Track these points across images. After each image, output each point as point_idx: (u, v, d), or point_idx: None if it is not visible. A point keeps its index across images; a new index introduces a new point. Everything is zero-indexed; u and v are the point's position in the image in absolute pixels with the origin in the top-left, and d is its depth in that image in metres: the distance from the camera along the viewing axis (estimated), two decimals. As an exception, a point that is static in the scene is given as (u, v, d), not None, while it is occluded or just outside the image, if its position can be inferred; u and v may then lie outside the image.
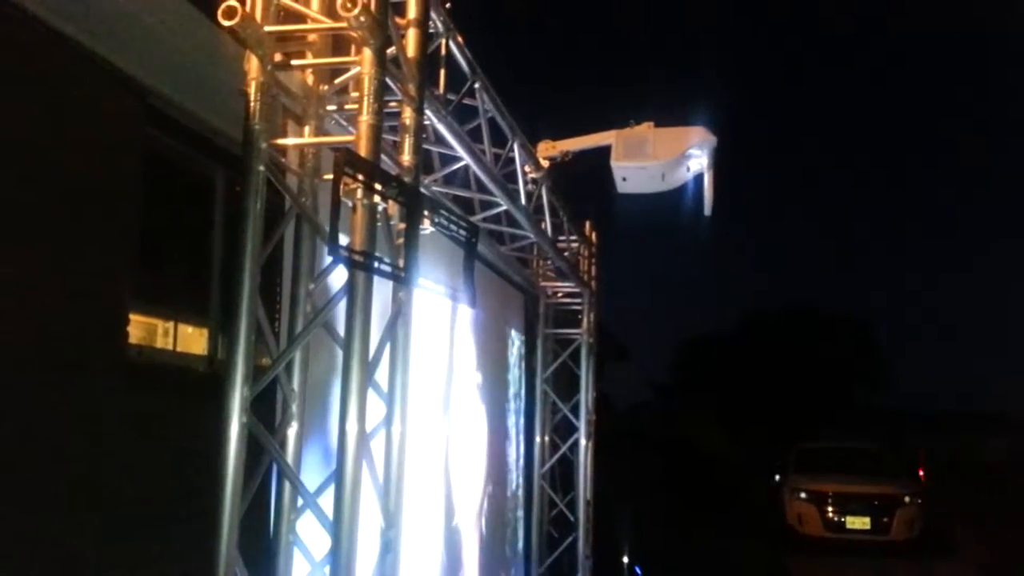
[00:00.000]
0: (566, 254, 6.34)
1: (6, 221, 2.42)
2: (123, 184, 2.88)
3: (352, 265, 2.26)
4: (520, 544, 6.46)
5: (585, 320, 6.67)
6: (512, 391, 6.31)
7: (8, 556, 2.36)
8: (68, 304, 2.64)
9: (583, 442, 6.53)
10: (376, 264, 2.32)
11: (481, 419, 5.52)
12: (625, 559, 6.55)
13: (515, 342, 6.45)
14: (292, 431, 2.60)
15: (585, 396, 6.58)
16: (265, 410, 2.54)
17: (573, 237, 6.41)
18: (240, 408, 2.31)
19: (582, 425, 6.56)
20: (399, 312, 2.61)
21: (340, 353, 2.34)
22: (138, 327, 3.25)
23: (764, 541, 11.73)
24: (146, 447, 2.88)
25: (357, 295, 2.30)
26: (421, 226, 2.62)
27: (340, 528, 2.21)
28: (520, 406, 6.65)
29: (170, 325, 3.67)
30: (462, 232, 2.89)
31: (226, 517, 2.26)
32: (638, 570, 6.60)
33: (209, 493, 2.26)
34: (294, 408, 2.62)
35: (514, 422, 6.39)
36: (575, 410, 6.58)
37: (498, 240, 5.39)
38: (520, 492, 6.51)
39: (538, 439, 6.58)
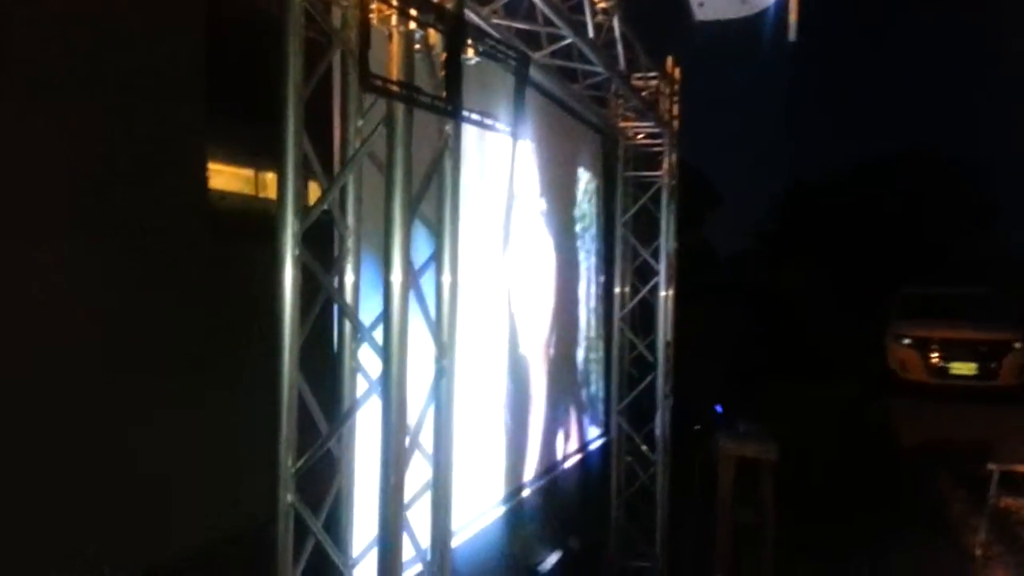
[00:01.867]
0: (643, 92, 6.17)
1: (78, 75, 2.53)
2: (188, 27, 2.94)
3: (387, 95, 2.28)
4: (597, 385, 6.68)
5: (666, 161, 6.54)
6: (580, 227, 6.32)
7: (104, 383, 2.62)
8: (144, 150, 2.78)
9: (663, 287, 6.55)
10: (414, 95, 2.34)
11: (548, 252, 5.60)
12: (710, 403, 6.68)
13: (584, 180, 6.41)
14: (348, 265, 2.73)
15: (665, 241, 6.55)
16: (323, 247, 2.67)
17: (652, 73, 6.20)
18: (292, 242, 2.43)
19: (662, 270, 6.57)
20: (445, 146, 2.64)
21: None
22: (218, 174, 3.37)
23: (862, 386, 11.72)
24: (227, 289, 3.07)
25: (396, 126, 2.34)
26: (465, 56, 2.60)
27: (390, 358, 2.34)
28: (595, 246, 6.69)
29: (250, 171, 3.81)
30: (511, 61, 2.86)
31: (286, 342, 2.44)
32: (718, 408, 6.73)
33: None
34: (349, 244, 2.73)
35: (585, 259, 6.44)
36: (656, 255, 6.57)
37: (570, 78, 5.27)
38: (595, 333, 6.66)
39: (618, 282, 6.65)
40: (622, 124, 6.46)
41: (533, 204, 5.32)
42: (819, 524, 7.63)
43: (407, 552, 2.48)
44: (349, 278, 2.74)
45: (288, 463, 2.45)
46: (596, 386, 6.70)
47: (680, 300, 6.70)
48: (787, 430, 8.74)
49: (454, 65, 2.52)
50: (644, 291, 6.63)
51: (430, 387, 2.63)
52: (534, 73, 4.86)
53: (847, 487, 8.44)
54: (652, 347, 6.59)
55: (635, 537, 6.62)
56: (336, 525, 2.72)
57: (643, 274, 6.69)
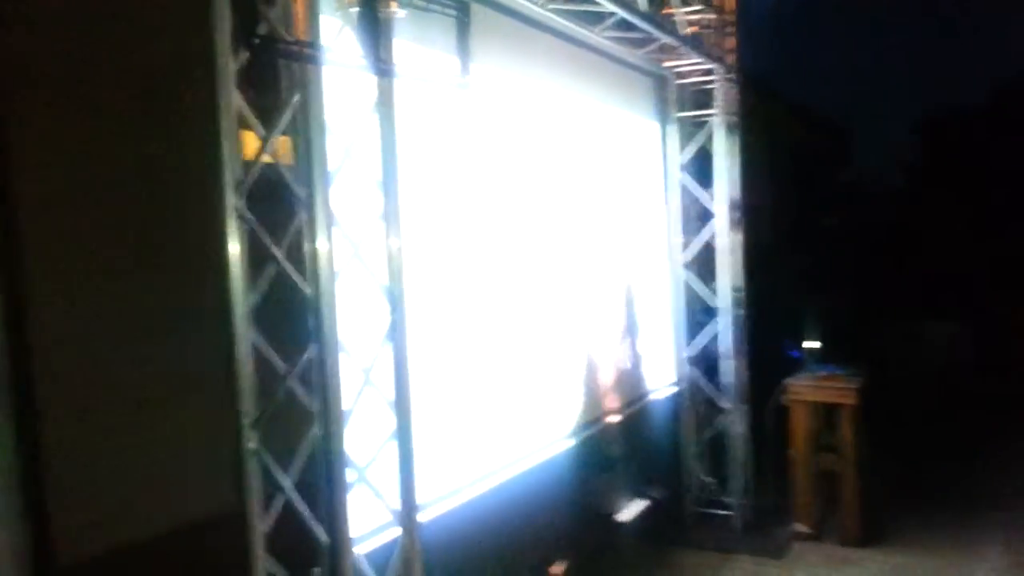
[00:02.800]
0: (688, 29, 5.93)
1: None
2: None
3: (287, 57, 2.34)
4: (668, 334, 6.56)
5: (719, 98, 6.29)
6: (634, 173, 6.20)
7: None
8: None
9: (722, 231, 6.34)
10: (316, 54, 2.38)
11: (596, 200, 5.56)
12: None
13: (636, 125, 6.27)
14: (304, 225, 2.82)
15: (726, 182, 6.32)
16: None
17: (696, 6, 5.96)
18: (233, 194, 2.54)
19: (720, 213, 6.35)
20: (376, 102, 2.68)
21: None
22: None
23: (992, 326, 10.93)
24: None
25: (308, 87, 2.40)
26: (388, 9, 2.63)
27: (320, 313, 2.42)
28: (656, 192, 6.55)
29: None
30: (449, 11, 2.86)
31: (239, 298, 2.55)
32: (794, 353, 6.46)
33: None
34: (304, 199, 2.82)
35: (643, 206, 6.33)
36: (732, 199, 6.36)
37: (595, 21, 5.15)
38: (661, 281, 6.53)
39: (678, 228, 6.49)
40: (667, 62, 6.24)
41: (578, 153, 5.29)
42: (914, 469, 7.29)
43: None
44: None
45: (250, 409, 2.58)
46: (665, 334, 6.58)
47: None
48: (897, 372, 8.35)
49: (369, 20, 2.54)
50: (704, 237, 6.44)
51: (384, 337, 2.71)
52: (568, 21, 4.83)
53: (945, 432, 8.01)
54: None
55: (712, 486, 6.50)
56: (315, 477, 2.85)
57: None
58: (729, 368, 6.38)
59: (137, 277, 2.49)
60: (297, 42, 2.33)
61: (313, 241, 2.73)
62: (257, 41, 2.36)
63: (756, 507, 6.49)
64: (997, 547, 5.85)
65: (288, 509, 2.68)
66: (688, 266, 6.53)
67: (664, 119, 6.52)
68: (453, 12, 2.84)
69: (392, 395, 2.74)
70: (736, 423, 6.39)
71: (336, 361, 2.70)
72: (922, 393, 8.94)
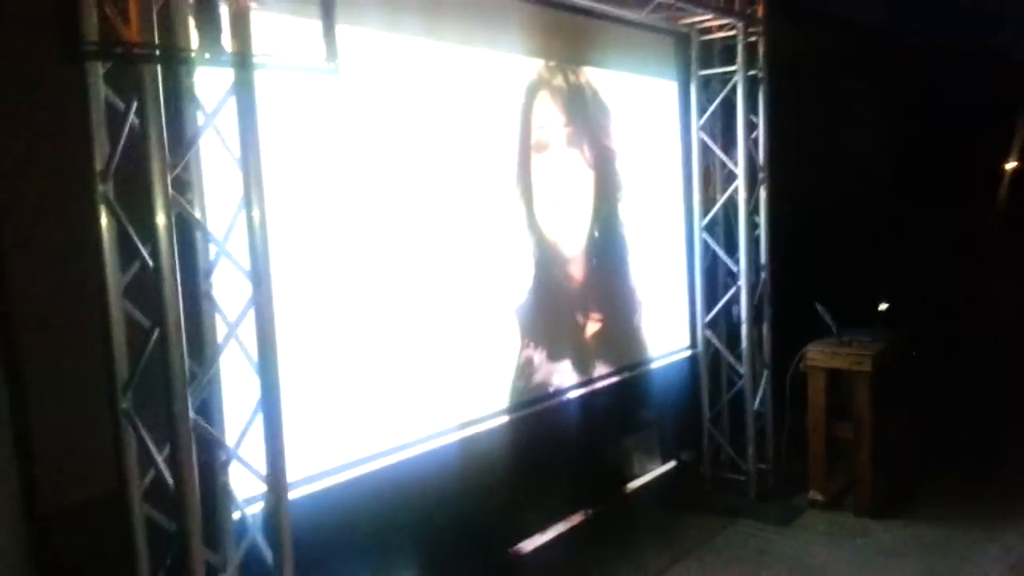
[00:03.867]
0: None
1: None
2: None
3: (126, 61, 2.62)
4: (685, 296, 6.54)
5: (739, 54, 6.12)
6: (648, 137, 6.17)
7: None
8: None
9: (742, 193, 6.21)
10: (146, 54, 2.64)
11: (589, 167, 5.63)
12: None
13: (651, 88, 6.21)
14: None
15: (746, 141, 6.17)
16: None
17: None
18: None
19: (740, 173, 6.22)
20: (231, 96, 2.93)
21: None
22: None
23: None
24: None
25: (145, 84, 2.67)
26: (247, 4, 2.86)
27: (162, 296, 2.73)
28: (673, 154, 6.48)
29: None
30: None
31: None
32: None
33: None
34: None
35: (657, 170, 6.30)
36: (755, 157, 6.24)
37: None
38: (678, 243, 6.50)
39: (696, 191, 6.41)
40: (685, 20, 6.12)
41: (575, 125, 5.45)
42: (955, 438, 6.95)
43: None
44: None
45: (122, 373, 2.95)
46: (682, 297, 6.56)
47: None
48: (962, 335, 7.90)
49: (208, 14, 2.78)
50: (722, 199, 6.34)
51: (239, 314, 3.01)
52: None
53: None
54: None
55: (728, 451, 6.49)
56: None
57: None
58: (744, 334, 6.30)
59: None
60: (130, 43, 2.60)
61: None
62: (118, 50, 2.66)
63: (776, 474, 6.44)
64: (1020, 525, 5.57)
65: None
66: (709, 228, 6.45)
67: (686, 78, 6.41)
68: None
69: (257, 358, 3.03)
70: (750, 389, 6.32)
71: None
72: (983, 357, 8.42)
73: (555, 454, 5.45)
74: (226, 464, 3.07)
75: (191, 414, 2.82)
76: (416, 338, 4.34)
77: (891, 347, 6.14)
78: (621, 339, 6.00)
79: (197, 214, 2.98)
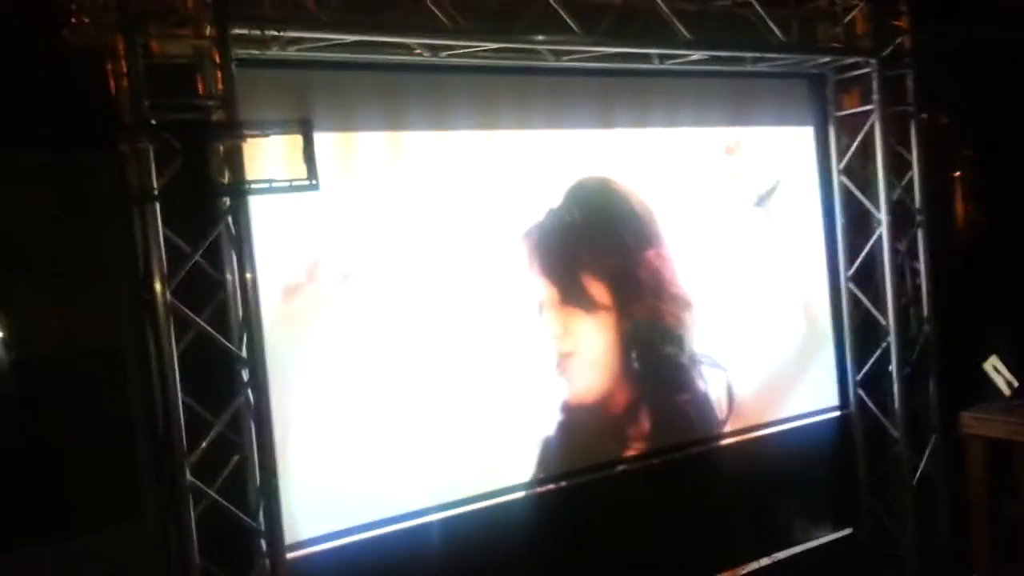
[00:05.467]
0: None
1: None
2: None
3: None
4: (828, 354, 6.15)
5: (875, 93, 5.72)
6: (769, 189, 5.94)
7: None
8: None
9: (886, 236, 5.76)
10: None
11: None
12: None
13: (778, 137, 5.98)
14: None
15: (887, 182, 5.74)
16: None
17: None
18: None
19: (883, 219, 5.77)
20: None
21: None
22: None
23: None
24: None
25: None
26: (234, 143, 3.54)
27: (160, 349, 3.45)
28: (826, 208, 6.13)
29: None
30: (295, 129, 3.66)
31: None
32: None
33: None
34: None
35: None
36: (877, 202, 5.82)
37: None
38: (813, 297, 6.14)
39: (840, 238, 6.04)
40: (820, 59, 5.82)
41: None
42: None
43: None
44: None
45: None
46: (826, 354, 6.17)
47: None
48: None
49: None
50: (868, 244, 5.90)
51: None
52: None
53: None
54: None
55: (888, 524, 5.96)
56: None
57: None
58: (896, 393, 5.79)
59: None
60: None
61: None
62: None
63: (943, 552, 5.81)
64: None
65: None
66: (851, 278, 6.03)
67: (822, 120, 6.09)
68: (299, 128, 3.62)
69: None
70: (906, 455, 5.78)
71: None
72: None
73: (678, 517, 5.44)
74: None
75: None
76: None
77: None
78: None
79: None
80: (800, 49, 5.50)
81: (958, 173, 7.12)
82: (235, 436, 3.78)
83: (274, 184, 3.63)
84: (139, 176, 3.46)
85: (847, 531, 6.16)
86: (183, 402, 3.55)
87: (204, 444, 3.63)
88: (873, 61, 5.70)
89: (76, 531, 3.71)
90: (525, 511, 4.86)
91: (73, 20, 3.43)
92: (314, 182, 3.65)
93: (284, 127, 3.64)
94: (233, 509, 3.70)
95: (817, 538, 6.16)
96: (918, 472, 5.84)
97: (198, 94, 3.68)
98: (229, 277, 3.78)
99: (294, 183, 3.63)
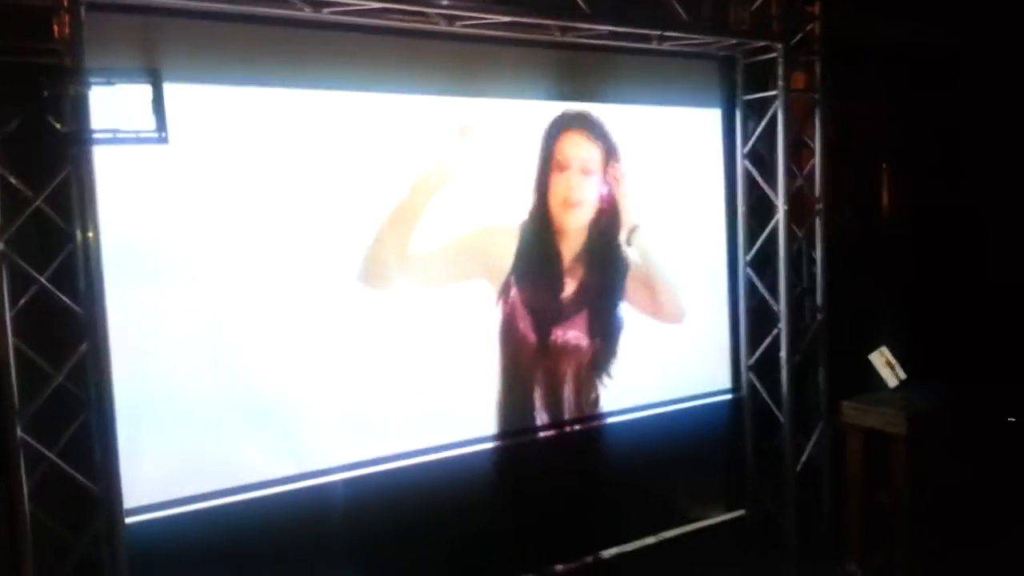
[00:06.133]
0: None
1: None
2: None
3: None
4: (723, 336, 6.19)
5: (780, 78, 5.71)
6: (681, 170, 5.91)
7: None
8: None
9: (782, 224, 5.78)
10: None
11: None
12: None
13: (685, 119, 5.95)
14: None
15: (785, 168, 5.75)
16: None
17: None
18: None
19: (780, 205, 5.79)
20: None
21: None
22: None
23: None
24: None
25: None
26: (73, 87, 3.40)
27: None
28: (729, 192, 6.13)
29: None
30: (144, 79, 3.54)
31: None
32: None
33: None
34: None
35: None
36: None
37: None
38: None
39: (741, 223, 6.05)
40: (725, 42, 5.80)
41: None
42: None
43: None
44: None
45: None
46: (720, 336, 6.20)
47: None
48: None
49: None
50: (766, 231, 5.92)
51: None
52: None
53: None
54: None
55: (771, 508, 6.04)
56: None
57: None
58: (783, 379, 5.84)
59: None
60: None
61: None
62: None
63: (815, 536, 5.90)
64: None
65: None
66: (750, 263, 6.05)
67: (730, 103, 6.08)
68: (146, 81, 3.50)
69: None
70: (788, 441, 5.85)
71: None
72: None
73: (562, 490, 5.45)
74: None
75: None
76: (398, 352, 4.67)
77: (958, 404, 5.39)
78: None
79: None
80: (704, 30, 5.44)
81: (884, 165, 7.19)
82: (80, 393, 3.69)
83: (119, 135, 3.50)
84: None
85: (738, 513, 6.23)
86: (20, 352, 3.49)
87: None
88: (779, 46, 5.68)
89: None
90: (398, 481, 4.81)
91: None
92: (163, 135, 3.53)
93: (131, 76, 3.50)
94: (68, 468, 3.61)
95: (706, 519, 6.22)
96: (802, 458, 5.90)
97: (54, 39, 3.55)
98: (75, 229, 3.66)
99: (141, 135, 3.50)
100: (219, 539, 4.13)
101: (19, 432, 3.46)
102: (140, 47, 3.86)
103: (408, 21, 4.54)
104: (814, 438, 5.97)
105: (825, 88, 5.89)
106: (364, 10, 4.35)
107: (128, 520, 3.81)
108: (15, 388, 3.43)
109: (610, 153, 5.47)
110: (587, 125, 5.39)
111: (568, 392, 5.53)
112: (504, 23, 4.72)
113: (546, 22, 4.97)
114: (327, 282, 4.51)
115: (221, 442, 4.20)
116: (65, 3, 3.48)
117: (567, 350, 5.42)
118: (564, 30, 5.08)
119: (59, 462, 3.62)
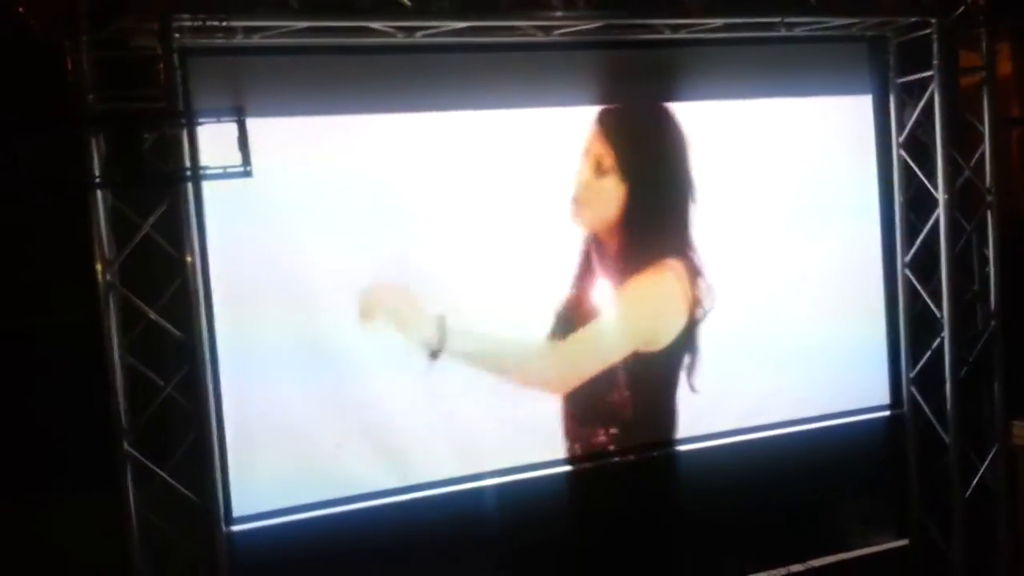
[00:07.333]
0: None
1: None
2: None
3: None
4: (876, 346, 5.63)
5: (935, 57, 5.12)
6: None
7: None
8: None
9: (943, 218, 5.18)
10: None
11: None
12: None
13: (829, 107, 5.47)
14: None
15: (945, 158, 5.15)
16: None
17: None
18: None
19: (941, 200, 5.18)
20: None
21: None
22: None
23: None
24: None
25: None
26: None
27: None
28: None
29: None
30: (229, 117, 3.80)
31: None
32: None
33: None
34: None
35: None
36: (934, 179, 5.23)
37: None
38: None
39: (898, 221, 5.49)
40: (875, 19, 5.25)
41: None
42: None
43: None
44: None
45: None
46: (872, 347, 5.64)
47: None
48: None
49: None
50: (926, 228, 5.31)
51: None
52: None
53: None
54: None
55: (936, 538, 5.44)
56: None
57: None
58: (948, 394, 5.24)
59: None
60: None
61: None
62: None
63: (986, 570, 5.26)
64: None
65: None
66: (908, 264, 5.46)
67: (882, 88, 5.52)
68: (232, 119, 3.74)
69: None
70: (955, 464, 5.23)
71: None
72: None
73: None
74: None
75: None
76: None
77: None
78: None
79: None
80: (831, 11, 4.95)
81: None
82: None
83: (207, 171, 3.77)
84: (83, 164, 3.74)
85: (900, 543, 5.67)
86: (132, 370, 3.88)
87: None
88: (933, 21, 5.09)
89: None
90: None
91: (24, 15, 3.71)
92: (247, 168, 3.76)
93: (218, 115, 3.76)
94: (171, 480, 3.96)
95: (863, 547, 5.71)
96: (973, 482, 5.27)
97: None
98: (188, 259, 4.01)
99: (228, 170, 3.74)
100: (324, 548, 4.37)
101: (126, 446, 3.85)
102: (230, 87, 4.16)
103: (497, 36, 4.56)
104: (987, 460, 5.29)
105: (992, 64, 5.20)
106: (456, 30, 4.41)
107: (234, 528, 4.11)
108: (121, 405, 3.81)
109: None
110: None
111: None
112: (598, 27, 4.60)
113: (653, 22, 4.79)
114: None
115: (325, 457, 4.44)
116: (160, 51, 3.80)
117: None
118: (675, 28, 4.87)
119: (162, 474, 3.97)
